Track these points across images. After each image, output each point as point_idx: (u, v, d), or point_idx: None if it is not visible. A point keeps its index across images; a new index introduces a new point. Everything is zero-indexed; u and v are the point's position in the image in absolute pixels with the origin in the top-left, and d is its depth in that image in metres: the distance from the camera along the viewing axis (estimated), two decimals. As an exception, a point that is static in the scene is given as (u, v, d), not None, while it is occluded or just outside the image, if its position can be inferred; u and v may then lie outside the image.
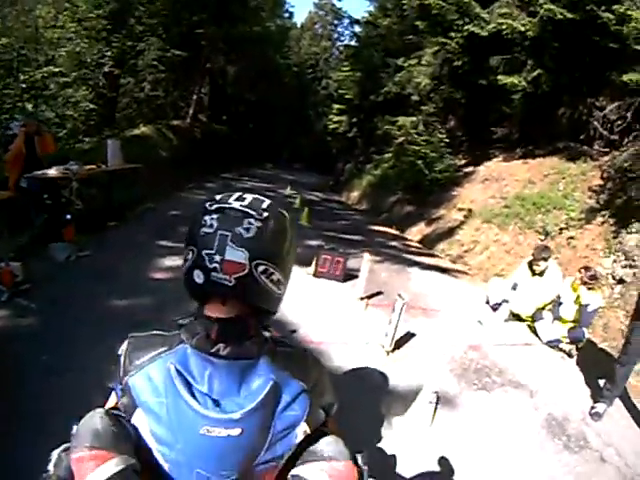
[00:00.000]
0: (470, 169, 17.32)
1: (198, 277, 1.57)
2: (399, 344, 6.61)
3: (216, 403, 1.55)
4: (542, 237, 11.17)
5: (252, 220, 1.57)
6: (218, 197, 1.66)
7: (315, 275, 9.25)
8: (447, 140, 17.73)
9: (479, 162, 17.05)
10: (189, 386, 1.54)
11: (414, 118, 19.08)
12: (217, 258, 1.54)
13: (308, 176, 36.28)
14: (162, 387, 1.57)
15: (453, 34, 16.18)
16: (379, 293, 8.75)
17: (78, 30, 17.52)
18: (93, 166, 10.80)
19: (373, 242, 13.86)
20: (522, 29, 13.88)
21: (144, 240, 10.09)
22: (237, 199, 1.64)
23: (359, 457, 1.76)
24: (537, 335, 7.87)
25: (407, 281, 10.25)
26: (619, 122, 12.68)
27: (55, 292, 6.81)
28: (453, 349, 6.98)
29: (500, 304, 8.48)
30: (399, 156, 19.51)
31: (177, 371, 1.54)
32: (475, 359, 6.77)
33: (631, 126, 12.32)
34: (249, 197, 1.67)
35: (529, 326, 8.18)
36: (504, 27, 14.10)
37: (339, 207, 24.01)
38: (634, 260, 8.86)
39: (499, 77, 14.41)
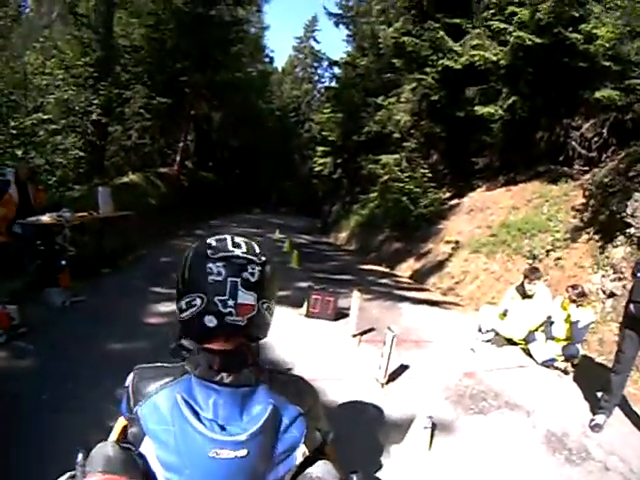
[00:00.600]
0: (455, 201, 17.49)
1: (210, 322, 1.68)
2: (393, 377, 6.56)
3: (222, 427, 1.64)
4: (530, 261, 11.23)
5: (254, 265, 1.72)
6: (214, 243, 1.76)
7: (307, 316, 9.18)
8: (430, 174, 17.89)
9: (463, 194, 17.23)
10: (196, 413, 1.64)
11: (397, 155, 19.33)
12: (231, 303, 1.67)
13: (296, 219, 36.41)
14: (169, 415, 1.66)
15: (428, 69, 16.64)
16: (371, 329, 8.70)
17: (66, 77, 17.69)
18: (85, 213, 10.82)
19: (363, 280, 13.86)
20: (494, 59, 14.29)
21: (137, 286, 10.11)
22: (234, 245, 1.76)
23: (354, 477, 1.85)
24: (532, 357, 7.85)
25: (399, 316, 10.21)
26: (596, 139, 13.00)
27: (52, 336, 6.80)
28: (447, 377, 6.93)
29: (491, 332, 8.52)
30: (384, 194, 19.70)
31: (183, 399, 1.65)
32: (470, 385, 6.72)
33: (608, 142, 12.64)
34: (242, 242, 1.79)
35: (523, 349, 8.16)
36: (477, 58, 14.52)
37: (328, 249, 24.02)
38: (622, 272, 8.92)
39: (476, 108, 14.79)
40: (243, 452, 1.61)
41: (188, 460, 1.62)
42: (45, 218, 9.11)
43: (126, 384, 1.84)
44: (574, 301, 7.42)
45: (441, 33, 15.84)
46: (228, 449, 1.60)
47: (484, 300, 11.44)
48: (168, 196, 22.83)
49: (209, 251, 1.72)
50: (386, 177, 19.30)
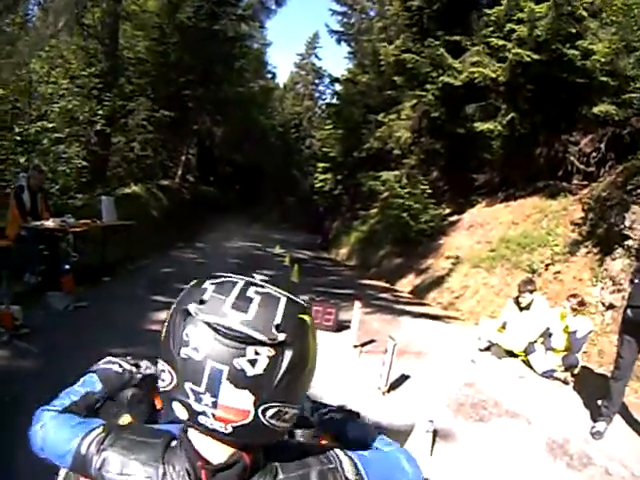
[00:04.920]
0: (455, 217, 17.54)
1: (180, 413, 1.20)
2: (394, 386, 6.64)
3: None
4: (529, 275, 11.28)
5: (260, 348, 1.14)
6: (209, 292, 1.20)
7: (308, 327, 9.25)
8: (430, 191, 17.88)
9: (463, 209, 17.30)
10: None
11: (397, 172, 19.46)
12: (208, 400, 1.14)
13: (296, 235, 36.44)
14: None
15: (429, 86, 16.62)
16: (372, 341, 8.75)
17: (70, 87, 17.77)
18: (88, 221, 10.87)
19: (364, 294, 13.83)
20: (493, 75, 14.37)
21: (138, 294, 10.14)
22: (235, 307, 1.16)
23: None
24: (531, 368, 7.90)
25: (399, 329, 10.20)
26: (594, 154, 13.11)
27: (54, 338, 6.84)
28: (448, 387, 7.01)
29: (491, 345, 8.58)
30: (385, 210, 19.77)
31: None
32: (470, 395, 6.79)
33: (606, 156, 12.75)
34: (255, 301, 1.18)
35: (523, 361, 8.20)
36: (476, 75, 14.57)
37: (328, 264, 24.04)
38: (621, 284, 9.00)
39: (475, 124, 14.81)
40: None
41: None
42: (49, 223, 9.25)
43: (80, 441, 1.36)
44: (575, 310, 7.50)
45: (441, 50, 15.95)
46: None
47: (484, 314, 11.49)
48: (169, 208, 23.00)
49: (195, 306, 1.17)
50: (386, 194, 19.43)
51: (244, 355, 1.12)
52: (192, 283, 1.27)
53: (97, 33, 20.27)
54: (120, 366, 1.82)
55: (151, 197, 22.39)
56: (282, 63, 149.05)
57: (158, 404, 1.88)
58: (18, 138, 13.86)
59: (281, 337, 1.14)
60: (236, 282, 1.22)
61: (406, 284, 16.90)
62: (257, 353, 1.12)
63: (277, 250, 22.79)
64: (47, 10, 18.92)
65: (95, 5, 20.02)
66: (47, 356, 6.21)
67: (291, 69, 68.19)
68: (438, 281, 15.05)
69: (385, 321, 10.95)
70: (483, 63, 14.86)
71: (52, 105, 16.55)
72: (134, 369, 1.86)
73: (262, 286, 1.23)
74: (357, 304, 8.67)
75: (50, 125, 15.21)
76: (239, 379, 1.12)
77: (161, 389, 1.22)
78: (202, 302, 1.17)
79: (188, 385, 1.14)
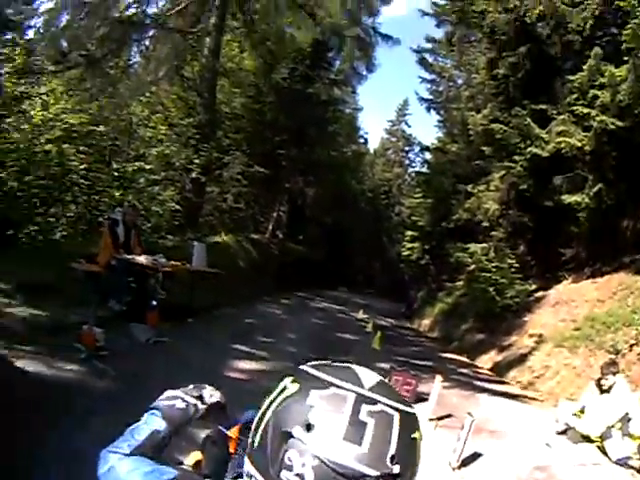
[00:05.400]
0: (540, 293, 17.11)
1: None
2: (466, 462, 6.51)
3: None
4: (613, 356, 10.97)
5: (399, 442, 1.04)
6: (314, 414, 1.04)
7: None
8: (517, 265, 17.68)
9: (549, 286, 16.91)
10: None
11: (485, 245, 19.21)
12: None
13: (380, 302, 36.33)
14: None
15: (517, 157, 16.53)
16: (449, 416, 8.64)
17: (169, 133, 18.51)
18: (178, 263, 11.14)
19: (444, 368, 13.75)
20: (579, 145, 14.24)
21: (220, 340, 10.24)
22: (349, 438, 1.01)
23: None
24: (606, 454, 7.59)
25: (476, 406, 9.93)
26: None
27: (131, 366, 7.09)
28: (520, 469, 6.82)
29: (568, 428, 8.39)
30: (471, 283, 19.58)
31: None
32: (541, 479, 6.67)
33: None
34: (369, 428, 1.03)
35: (598, 446, 7.87)
36: (563, 145, 14.46)
37: (410, 334, 23.83)
38: None
39: (563, 197, 14.67)
40: None
41: None
42: (141, 258, 9.51)
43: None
44: None
45: (528, 120, 15.93)
46: None
47: (563, 396, 11.07)
48: (257, 261, 23.50)
49: (301, 432, 1.03)
50: (473, 266, 19.29)
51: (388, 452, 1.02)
52: (293, 390, 1.10)
53: (196, 86, 21.06)
54: (183, 400, 1.72)
55: (240, 248, 22.90)
56: (373, 129, 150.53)
57: (232, 447, 1.72)
58: (115, 174, 14.49)
59: (395, 470, 1.02)
60: (345, 396, 1.06)
61: (487, 360, 16.57)
62: None
63: (360, 315, 22.79)
64: (149, 58, 19.79)
65: (194, 59, 20.93)
66: (122, 380, 6.44)
67: (382, 135, 69.08)
68: (520, 359, 14.64)
69: (463, 397, 10.76)
70: (569, 132, 14.76)
71: (150, 148, 17.26)
72: (199, 403, 1.76)
73: (374, 401, 1.07)
74: (438, 378, 8.58)
75: (147, 167, 15.86)
76: None
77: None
78: (309, 428, 1.02)
79: None
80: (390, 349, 14.72)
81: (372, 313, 24.41)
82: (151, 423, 1.64)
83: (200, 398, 1.78)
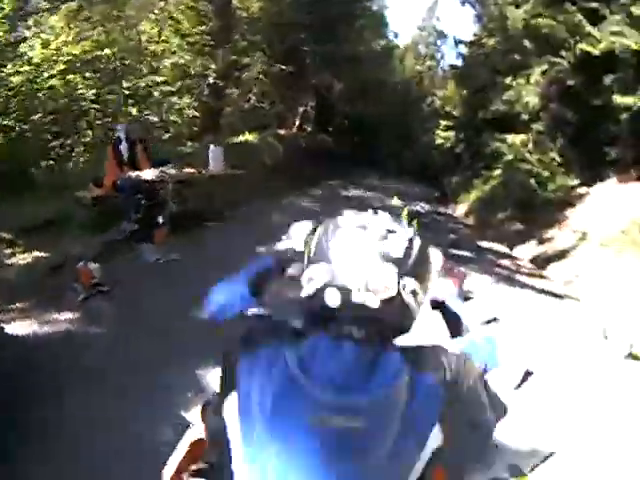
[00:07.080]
0: (584, 189, 17.11)
1: (332, 298, 1.42)
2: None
3: (335, 390, 1.37)
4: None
5: (396, 237, 1.50)
6: (349, 214, 1.62)
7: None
8: (559, 159, 17.60)
9: (591, 183, 16.88)
10: (305, 370, 1.41)
11: (524, 136, 19.10)
12: (360, 278, 1.40)
13: (413, 187, 36.09)
14: (270, 370, 1.44)
15: (564, 53, 16.18)
16: (495, 319, 8.78)
17: (181, 45, 18.42)
18: (193, 170, 11.08)
19: (484, 260, 13.99)
20: (635, 47, 13.92)
21: (243, 245, 8.92)
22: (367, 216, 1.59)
23: None
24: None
25: (520, 308, 9.62)
26: None
27: (135, 297, 6.97)
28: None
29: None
30: (509, 173, 19.59)
31: (297, 358, 1.43)
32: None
33: None
34: (382, 213, 1.63)
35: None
36: (616, 45, 14.18)
37: (445, 220, 23.86)
38: None
39: (614, 96, 14.44)
40: (357, 423, 1.34)
41: (290, 428, 1.37)
42: (146, 174, 9.30)
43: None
44: None
45: (579, 16, 15.53)
46: (338, 416, 1.34)
47: (607, 299, 10.87)
48: (284, 157, 23.16)
49: (343, 219, 1.57)
50: (511, 156, 19.23)
51: (387, 239, 1.47)
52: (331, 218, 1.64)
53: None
54: None
55: (266, 145, 22.46)
56: (404, 26, 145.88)
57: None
58: (127, 92, 14.43)
59: (410, 232, 1.59)
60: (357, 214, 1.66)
61: (526, 251, 16.69)
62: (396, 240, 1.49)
63: (394, 202, 22.71)
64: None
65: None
66: (122, 320, 6.25)
67: (413, 31, 67.58)
68: (561, 254, 14.67)
69: (508, 294, 10.61)
70: (623, 33, 14.40)
71: (163, 61, 16.99)
72: None
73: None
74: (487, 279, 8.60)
75: (160, 79, 15.80)
76: (386, 257, 1.43)
77: (315, 287, 1.46)
78: (344, 217, 1.60)
79: (343, 270, 1.43)
80: (427, 237, 14.75)
81: (405, 198, 24.25)
82: None
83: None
